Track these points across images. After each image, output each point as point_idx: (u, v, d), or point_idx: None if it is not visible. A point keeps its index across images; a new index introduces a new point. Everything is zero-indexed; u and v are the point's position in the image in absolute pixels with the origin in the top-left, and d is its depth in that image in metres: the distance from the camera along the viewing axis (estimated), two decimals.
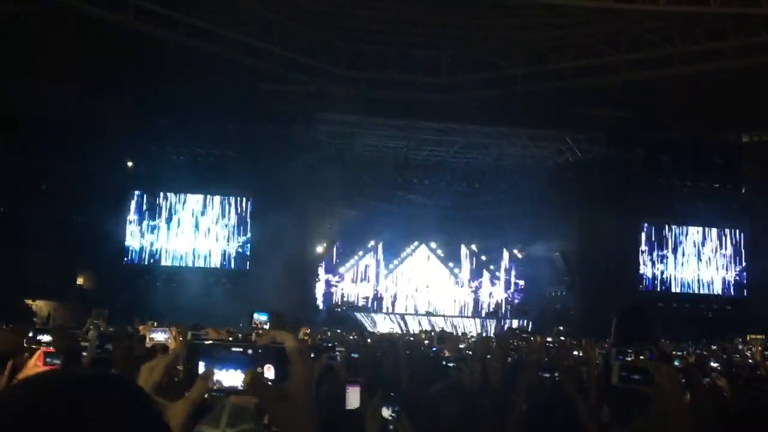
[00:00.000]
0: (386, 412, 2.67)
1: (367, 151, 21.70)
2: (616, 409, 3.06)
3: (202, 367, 1.18)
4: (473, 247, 26.13)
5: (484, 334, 17.65)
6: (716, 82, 17.50)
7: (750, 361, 7.01)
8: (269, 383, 1.16)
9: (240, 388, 1.17)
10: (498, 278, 26.28)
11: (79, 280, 18.91)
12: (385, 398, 2.70)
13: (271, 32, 17.84)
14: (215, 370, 1.18)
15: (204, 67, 17.25)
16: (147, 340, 3.28)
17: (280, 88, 19.05)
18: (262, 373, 1.17)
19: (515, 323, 22.86)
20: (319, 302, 23.87)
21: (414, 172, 22.54)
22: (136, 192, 20.24)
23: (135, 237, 20.12)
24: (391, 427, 2.57)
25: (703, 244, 22.59)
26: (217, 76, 17.60)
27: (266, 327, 3.81)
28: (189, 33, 16.77)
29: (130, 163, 20.03)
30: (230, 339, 4.89)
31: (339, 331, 13.47)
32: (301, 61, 18.64)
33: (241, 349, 1.20)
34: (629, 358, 2.57)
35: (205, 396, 1.20)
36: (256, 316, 3.82)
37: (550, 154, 21.56)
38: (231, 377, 1.18)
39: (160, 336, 3.52)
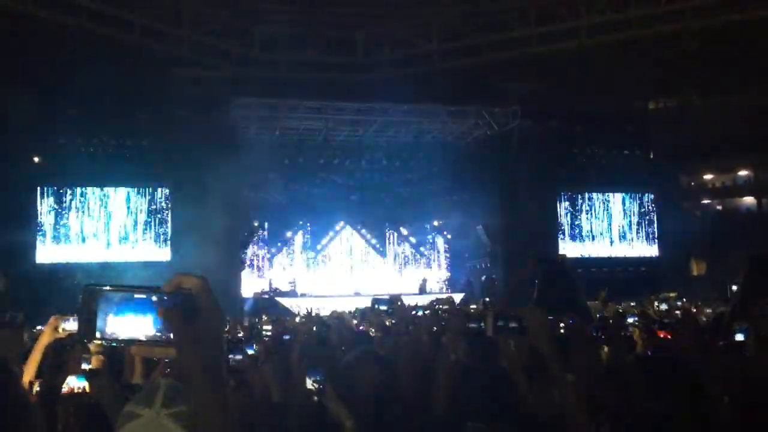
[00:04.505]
0: (309, 382, 2.64)
1: (286, 134, 21.42)
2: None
3: (112, 321, 1.08)
4: (397, 224, 26.31)
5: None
6: (623, 52, 18.12)
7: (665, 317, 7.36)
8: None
9: (143, 339, 1.08)
10: (423, 254, 26.57)
11: None
12: (309, 368, 2.67)
13: (182, 16, 17.32)
14: (116, 318, 1.08)
15: (112, 54, 16.59)
16: (60, 330, 3.13)
17: (193, 73, 18.52)
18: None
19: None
20: (246, 290, 23.52)
21: (335, 153, 22.42)
22: (46, 188, 19.34)
23: (47, 235, 19.27)
24: (315, 398, 2.54)
25: (616, 210, 23.47)
26: (127, 63, 16.96)
27: None
28: (94, 18, 16.08)
29: (36, 158, 19.10)
30: None
31: (264, 318, 13.23)
32: (215, 45, 18.21)
33: (144, 295, 1.10)
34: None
35: (100, 347, 1.12)
36: None
37: (469, 129, 21.84)
38: (133, 326, 1.09)
39: (72, 326, 3.35)
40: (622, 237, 23.42)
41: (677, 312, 8.43)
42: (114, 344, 1.12)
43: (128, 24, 16.52)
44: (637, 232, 23.53)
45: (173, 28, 17.21)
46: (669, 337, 4.69)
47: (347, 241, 26.40)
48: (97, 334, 1.12)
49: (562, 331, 3.22)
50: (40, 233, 19.14)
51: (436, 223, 25.96)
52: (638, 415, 2.48)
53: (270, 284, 24.90)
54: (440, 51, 18.91)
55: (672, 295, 13.55)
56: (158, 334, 1.11)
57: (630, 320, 5.91)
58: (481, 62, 18.69)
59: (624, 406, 2.46)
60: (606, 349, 3.59)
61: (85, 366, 3.16)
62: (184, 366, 1.11)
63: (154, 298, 1.10)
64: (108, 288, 1.12)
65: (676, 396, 2.55)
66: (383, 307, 4.87)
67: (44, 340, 2.94)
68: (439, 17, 18.34)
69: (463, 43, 18.65)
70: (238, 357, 3.86)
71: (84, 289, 1.12)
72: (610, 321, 5.50)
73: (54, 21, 15.44)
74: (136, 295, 1.11)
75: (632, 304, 9.79)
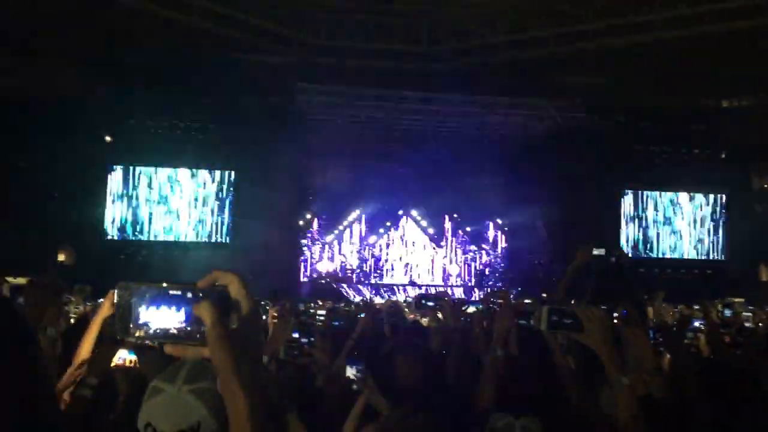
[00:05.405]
0: (350, 371, 2.64)
1: (349, 121, 21.54)
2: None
3: (142, 313, 1.07)
4: (456, 216, 26.18)
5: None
6: (696, 47, 17.48)
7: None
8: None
9: (176, 332, 1.06)
10: (481, 247, 26.39)
11: (60, 257, 18.72)
12: (349, 357, 2.68)
13: (250, 3, 17.53)
14: (150, 310, 1.07)
15: (181, 39, 16.94)
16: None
17: (258, 60, 18.77)
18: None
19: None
20: (303, 275, 23.86)
21: (396, 142, 22.43)
22: (116, 166, 20.01)
23: (115, 212, 19.93)
24: (354, 386, 2.54)
25: (683, 210, 22.78)
26: (196, 48, 17.31)
27: None
28: (163, 3, 16.41)
29: (108, 138, 19.75)
30: None
31: (320, 303, 13.41)
32: (281, 32, 18.36)
33: (179, 292, 1.09)
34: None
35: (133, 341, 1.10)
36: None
37: (532, 123, 21.52)
38: (167, 320, 1.07)
39: None
40: (689, 238, 22.74)
41: (746, 314, 8.08)
42: (148, 342, 1.09)
43: (196, 8, 16.77)
44: (705, 234, 22.80)
45: (241, 13, 17.41)
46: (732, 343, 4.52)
47: (405, 231, 26.43)
48: (131, 327, 1.10)
49: (615, 321, 3.15)
50: (109, 210, 19.82)
51: (494, 217, 25.73)
52: (695, 419, 2.42)
53: (327, 270, 25.20)
54: (506, 42, 18.60)
55: (738, 301, 13.05)
56: (190, 329, 1.08)
57: (696, 324, 5.62)
58: (548, 55, 18.28)
59: (682, 410, 2.39)
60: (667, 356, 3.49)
61: None
62: (214, 364, 1.07)
63: (189, 295, 1.09)
64: (142, 284, 1.11)
65: (735, 402, 2.47)
66: (430, 304, 4.89)
67: (103, 313, 2.97)
68: (506, 8, 18.02)
69: (530, 35, 18.28)
70: (304, 340, 3.92)
71: (117, 285, 1.12)
72: (670, 324, 5.33)
73: (128, 6, 15.80)
74: (170, 292, 1.10)
75: (696, 307, 9.44)
